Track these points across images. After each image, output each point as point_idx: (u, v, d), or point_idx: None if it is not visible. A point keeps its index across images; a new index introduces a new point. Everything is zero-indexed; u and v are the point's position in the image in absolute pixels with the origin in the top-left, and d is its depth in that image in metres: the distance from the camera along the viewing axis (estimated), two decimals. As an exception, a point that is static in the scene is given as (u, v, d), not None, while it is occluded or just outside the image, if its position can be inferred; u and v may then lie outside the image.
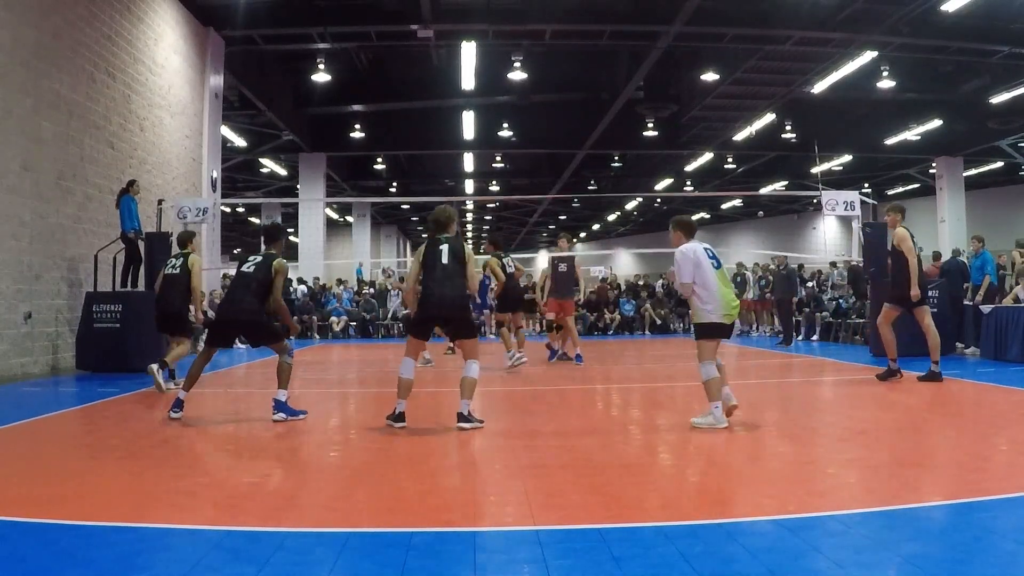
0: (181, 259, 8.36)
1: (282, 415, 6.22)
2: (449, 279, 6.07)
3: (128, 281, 11.11)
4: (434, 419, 6.38)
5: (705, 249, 5.93)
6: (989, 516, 3.33)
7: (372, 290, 21.80)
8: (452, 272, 6.10)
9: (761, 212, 39.33)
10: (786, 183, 30.20)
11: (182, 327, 8.40)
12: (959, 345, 11.88)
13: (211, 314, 11.14)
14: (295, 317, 20.34)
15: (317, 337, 19.22)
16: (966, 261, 13.55)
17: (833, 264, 19.82)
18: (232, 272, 8.00)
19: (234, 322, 6.52)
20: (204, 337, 8.70)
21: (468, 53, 16.89)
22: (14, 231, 9.58)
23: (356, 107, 21.90)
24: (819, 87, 19.08)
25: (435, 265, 6.09)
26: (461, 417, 5.75)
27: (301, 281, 21.65)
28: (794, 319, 16.32)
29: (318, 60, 17.55)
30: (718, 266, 5.94)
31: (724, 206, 38.51)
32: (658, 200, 36.15)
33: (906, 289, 7.90)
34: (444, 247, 6.13)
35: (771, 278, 17.67)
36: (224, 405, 7.73)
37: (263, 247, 6.76)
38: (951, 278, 12.42)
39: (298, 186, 25.61)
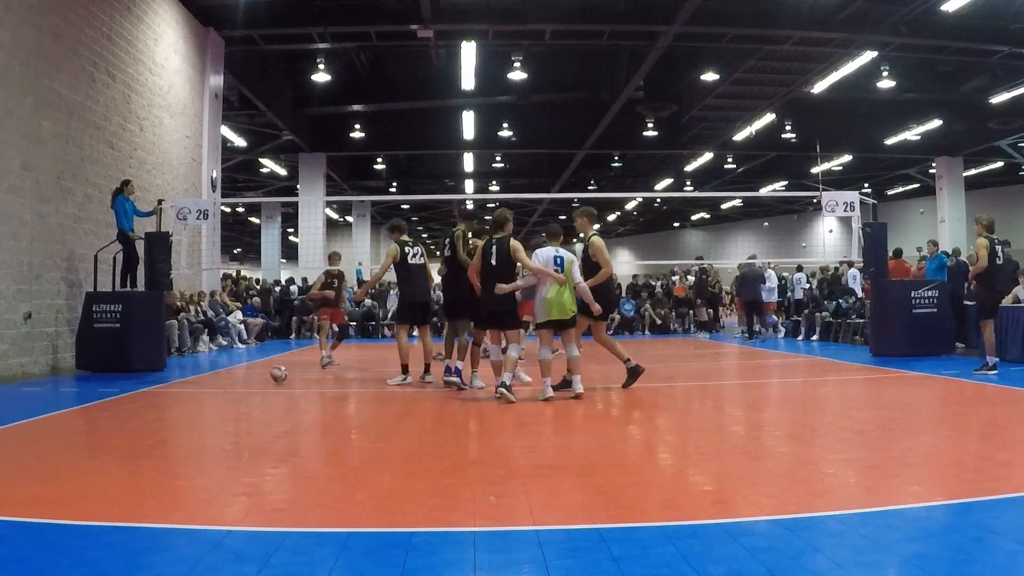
0: (419, 248, 8.67)
1: (456, 380, 7.64)
2: (496, 280, 7.04)
3: (128, 281, 11.10)
4: (433, 419, 6.38)
5: (555, 257, 7.11)
6: (989, 516, 3.33)
7: (371, 290, 21.75)
8: (499, 272, 7.09)
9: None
10: (786, 183, 30.21)
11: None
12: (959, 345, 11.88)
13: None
14: (293, 318, 20.45)
15: (317, 337, 19.15)
16: (967, 261, 13.52)
17: (845, 263, 18.09)
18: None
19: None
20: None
21: (468, 53, 16.89)
22: (14, 231, 9.58)
23: (356, 107, 21.89)
24: (819, 87, 19.06)
25: (487, 266, 7.14)
26: (503, 385, 6.86)
27: (292, 281, 21.63)
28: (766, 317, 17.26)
29: (318, 60, 17.54)
30: (560, 271, 7.07)
31: (724, 206, 38.51)
32: (658, 200, 36.12)
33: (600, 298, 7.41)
34: (494, 248, 7.13)
35: (738, 275, 17.76)
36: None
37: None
38: (953, 278, 12.40)
39: (298, 186, 25.60)
